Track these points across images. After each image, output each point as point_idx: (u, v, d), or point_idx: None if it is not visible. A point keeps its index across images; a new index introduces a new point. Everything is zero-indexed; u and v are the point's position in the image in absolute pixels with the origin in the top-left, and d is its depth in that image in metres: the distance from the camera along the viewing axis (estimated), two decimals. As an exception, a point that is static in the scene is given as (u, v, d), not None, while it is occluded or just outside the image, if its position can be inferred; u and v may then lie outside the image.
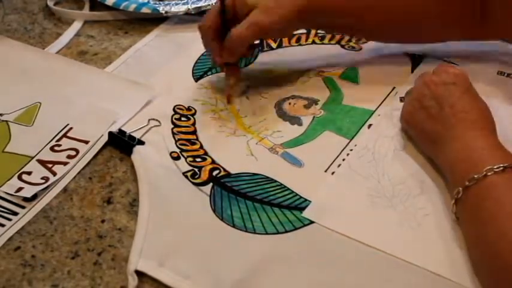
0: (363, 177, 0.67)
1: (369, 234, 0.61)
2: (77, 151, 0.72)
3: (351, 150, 0.70)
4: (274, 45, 0.88)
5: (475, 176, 0.57)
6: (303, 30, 0.90)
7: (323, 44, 0.88)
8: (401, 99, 0.75)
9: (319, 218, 0.63)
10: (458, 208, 0.59)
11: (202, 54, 0.86)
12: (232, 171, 0.69)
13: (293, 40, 0.88)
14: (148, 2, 0.94)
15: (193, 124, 0.75)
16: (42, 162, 0.71)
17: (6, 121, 0.77)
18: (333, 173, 0.68)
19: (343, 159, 0.69)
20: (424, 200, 0.64)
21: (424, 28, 0.76)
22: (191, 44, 0.88)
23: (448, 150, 0.62)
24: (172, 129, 0.74)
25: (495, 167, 0.57)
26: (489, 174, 0.56)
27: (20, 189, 0.67)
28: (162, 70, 0.84)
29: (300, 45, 0.87)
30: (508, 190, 0.56)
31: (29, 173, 0.69)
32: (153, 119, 0.75)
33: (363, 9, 0.74)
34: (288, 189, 0.66)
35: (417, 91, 0.69)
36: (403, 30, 0.77)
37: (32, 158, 0.71)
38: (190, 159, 0.70)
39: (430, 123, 0.66)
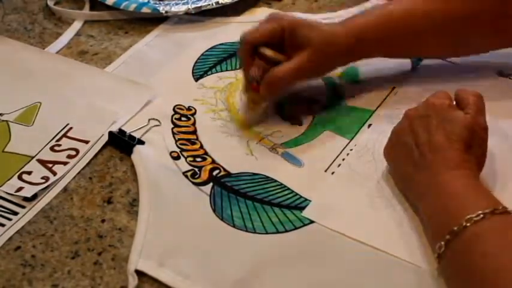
0: (363, 177, 0.67)
1: (368, 234, 0.61)
2: (77, 151, 0.72)
3: (351, 150, 0.70)
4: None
5: (455, 229, 0.52)
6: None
7: (323, 44, 0.87)
8: None
9: (319, 218, 0.63)
10: (442, 263, 0.54)
11: (202, 54, 0.86)
12: (232, 171, 0.69)
13: (293, 40, 0.88)
14: (148, 1, 0.94)
15: (194, 124, 0.75)
16: (42, 162, 0.71)
17: (6, 121, 0.77)
18: (332, 172, 0.68)
19: (343, 159, 0.69)
20: None
21: (475, 39, 0.74)
22: (191, 43, 0.88)
23: (425, 198, 0.59)
24: (172, 129, 0.74)
25: (474, 215, 0.52)
26: (469, 225, 0.52)
27: (20, 189, 0.67)
28: (162, 70, 0.84)
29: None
30: (492, 240, 0.52)
31: (29, 173, 0.69)
32: (153, 119, 0.75)
33: (412, 38, 0.73)
34: (288, 188, 0.66)
35: (399, 124, 0.65)
36: (455, 47, 0.76)
37: (32, 157, 0.71)
38: (191, 159, 0.70)
39: (404, 163, 0.62)
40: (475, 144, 0.60)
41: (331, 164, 0.69)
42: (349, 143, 0.71)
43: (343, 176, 0.67)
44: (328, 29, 0.72)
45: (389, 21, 0.72)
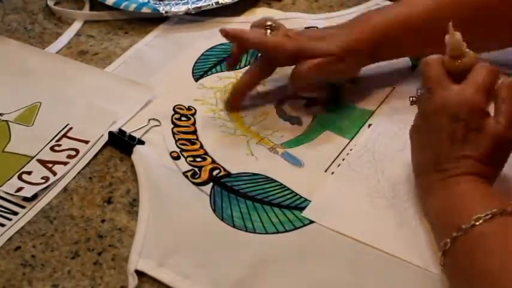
0: (363, 177, 0.67)
1: (368, 234, 0.61)
2: (77, 151, 0.72)
3: (351, 150, 0.70)
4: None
5: (463, 227, 0.52)
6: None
7: (323, 44, 0.87)
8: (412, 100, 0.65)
9: (319, 218, 0.63)
10: (446, 260, 0.54)
11: (202, 54, 0.86)
12: (233, 171, 0.69)
13: (293, 40, 0.88)
14: (148, 2, 0.94)
15: (194, 124, 0.75)
16: (42, 162, 0.71)
17: (6, 121, 0.77)
18: (332, 172, 0.68)
19: (343, 159, 0.69)
20: None
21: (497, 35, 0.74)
22: (191, 43, 0.88)
23: (435, 193, 0.58)
24: (172, 129, 0.74)
25: (483, 215, 0.52)
26: (477, 224, 0.52)
27: (20, 189, 0.67)
28: (162, 70, 0.84)
29: (300, 45, 0.87)
30: (499, 239, 0.52)
31: (29, 173, 0.69)
32: (153, 119, 0.75)
33: (425, 42, 0.72)
34: (288, 189, 0.66)
35: (429, 103, 0.60)
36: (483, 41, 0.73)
37: (32, 157, 0.71)
38: (191, 159, 0.70)
39: (425, 152, 0.60)
40: (497, 156, 0.59)
41: (331, 164, 0.69)
42: (349, 143, 0.71)
43: (343, 176, 0.67)
44: (341, 40, 0.72)
45: (413, 18, 0.72)
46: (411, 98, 0.63)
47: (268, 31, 0.74)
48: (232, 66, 0.79)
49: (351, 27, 0.73)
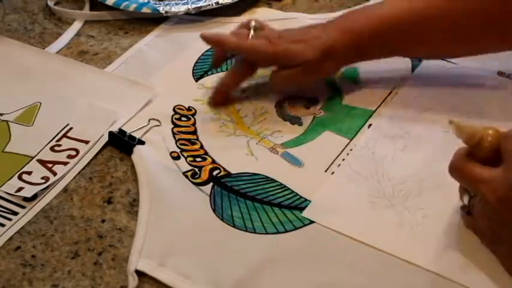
0: (363, 177, 0.67)
1: (368, 234, 0.61)
2: (77, 151, 0.72)
3: (351, 150, 0.70)
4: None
5: None
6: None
7: (323, 44, 0.87)
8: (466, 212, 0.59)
9: (319, 218, 0.63)
10: None
11: (202, 54, 0.86)
12: (233, 171, 0.69)
13: (293, 40, 0.88)
14: (148, 2, 0.94)
15: (194, 124, 0.75)
16: (42, 162, 0.71)
17: (6, 121, 0.77)
18: (332, 173, 0.68)
19: (343, 159, 0.69)
20: (423, 200, 0.64)
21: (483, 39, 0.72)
22: (191, 43, 0.88)
23: None
24: (172, 129, 0.74)
25: None
26: None
27: (20, 189, 0.67)
28: (162, 70, 0.84)
29: (300, 45, 0.87)
30: None
31: (29, 173, 0.69)
32: (153, 119, 0.75)
33: (426, 37, 0.72)
34: (288, 189, 0.66)
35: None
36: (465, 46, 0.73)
37: (32, 158, 0.71)
38: (191, 159, 0.70)
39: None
40: None
41: (331, 164, 0.69)
42: (349, 143, 0.71)
43: (343, 176, 0.67)
44: (321, 42, 0.72)
45: (399, 22, 0.71)
46: (462, 211, 0.59)
47: (252, 32, 0.75)
48: (215, 67, 0.82)
49: (332, 28, 0.73)
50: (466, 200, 0.57)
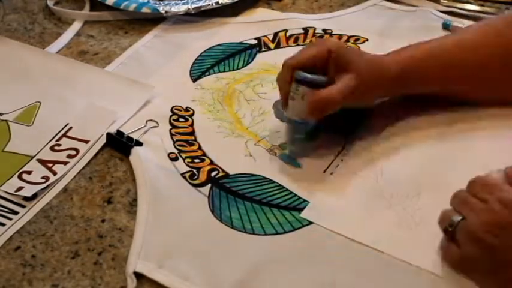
0: (361, 177, 0.67)
1: (367, 235, 0.61)
2: (77, 151, 0.72)
3: (350, 150, 0.71)
4: (272, 45, 0.88)
5: None
6: (300, 30, 0.90)
7: (322, 44, 0.88)
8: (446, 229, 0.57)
9: (317, 219, 0.63)
10: None
11: (200, 55, 0.86)
12: (231, 172, 0.69)
13: (291, 40, 0.89)
14: (148, 1, 0.94)
15: (192, 125, 0.75)
16: (42, 162, 0.71)
17: (6, 120, 0.77)
18: (331, 173, 0.68)
19: (342, 160, 0.69)
20: (422, 200, 0.64)
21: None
22: (189, 44, 0.88)
23: None
24: (170, 130, 0.75)
25: None
26: None
27: (20, 188, 0.68)
28: (160, 71, 0.84)
29: (298, 45, 0.88)
30: None
31: (29, 173, 0.70)
32: (151, 120, 0.76)
33: (453, 79, 0.71)
34: (287, 190, 0.66)
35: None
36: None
37: (32, 157, 0.72)
38: (189, 160, 0.71)
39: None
40: None
41: (329, 165, 0.69)
42: (346, 143, 0.71)
43: (342, 177, 0.68)
44: (375, 57, 0.70)
45: (439, 55, 0.71)
46: (445, 228, 0.57)
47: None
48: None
49: (383, 54, 0.71)
50: (456, 219, 0.56)
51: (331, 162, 0.69)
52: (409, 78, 0.70)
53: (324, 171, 0.68)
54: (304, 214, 0.64)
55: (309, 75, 0.66)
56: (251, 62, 0.85)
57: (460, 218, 0.55)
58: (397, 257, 0.59)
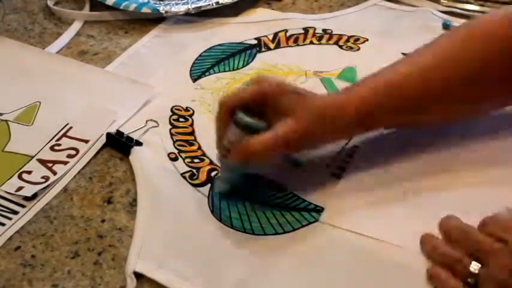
0: (362, 177, 0.67)
1: (379, 233, 0.61)
2: (77, 150, 0.72)
3: (351, 150, 0.70)
4: (272, 45, 0.88)
5: None
6: (300, 30, 0.90)
7: (321, 44, 0.88)
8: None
9: (334, 221, 0.62)
10: None
11: (200, 55, 0.86)
12: (231, 172, 0.69)
13: (291, 40, 0.89)
14: (148, 1, 0.94)
15: (191, 125, 0.75)
16: (42, 162, 0.71)
17: (6, 120, 0.77)
18: (333, 174, 0.68)
19: (343, 160, 0.69)
20: (436, 198, 0.64)
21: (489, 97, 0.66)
22: (189, 44, 0.88)
23: None
24: (170, 130, 0.75)
25: None
26: None
27: (20, 188, 0.68)
28: (160, 71, 0.84)
29: (298, 45, 0.88)
30: None
31: (29, 172, 0.70)
32: (151, 120, 0.76)
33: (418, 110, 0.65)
34: (287, 190, 0.66)
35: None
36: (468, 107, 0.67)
37: (32, 157, 0.72)
38: (189, 160, 0.71)
39: None
40: None
41: (331, 165, 0.69)
42: (348, 143, 0.71)
43: (344, 177, 0.67)
44: (319, 98, 0.63)
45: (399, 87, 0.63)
46: (464, 280, 0.53)
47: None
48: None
49: (333, 93, 0.67)
50: (476, 269, 0.53)
51: (333, 163, 0.69)
52: (370, 119, 0.64)
53: (326, 171, 0.68)
54: (321, 219, 0.63)
55: (247, 119, 0.60)
56: (251, 62, 0.85)
57: (479, 266, 0.52)
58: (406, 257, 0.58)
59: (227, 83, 0.82)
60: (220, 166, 0.67)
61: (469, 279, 0.52)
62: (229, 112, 0.61)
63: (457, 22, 0.89)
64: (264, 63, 0.85)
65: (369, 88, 0.63)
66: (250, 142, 0.59)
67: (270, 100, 0.61)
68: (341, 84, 0.79)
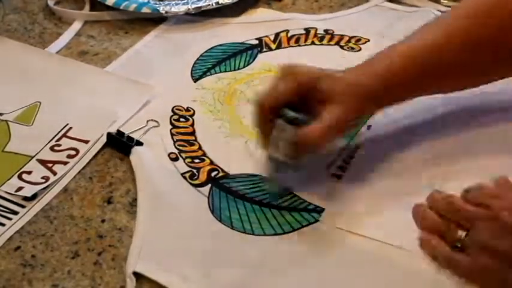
0: (363, 177, 0.67)
1: (381, 233, 0.61)
2: (77, 151, 0.72)
3: (351, 151, 0.70)
4: (273, 46, 0.88)
5: None
6: (302, 31, 0.90)
7: (322, 45, 0.88)
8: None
9: (334, 222, 0.62)
10: None
11: (201, 55, 0.86)
12: (231, 172, 0.69)
13: (292, 41, 0.89)
14: (148, 1, 0.94)
15: (192, 125, 0.75)
16: (42, 162, 0.71)
17: (6, 121, 0.77)
18: (332, 174, 0.68)
19: (343, 160, 0.69)
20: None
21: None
22: (190, 44, 0.88)
23: None
24: (170, 130, 0.75)
25: None
26: None
27: (20, 188, 0.68)
28: (161, 71, 0.84)
29: (299, 46, 0.88)
30: None
31: (29, 173, 0.70)
32: (152, 120, 0.76)
33: (438, 82, 0.67)
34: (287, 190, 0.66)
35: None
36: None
37: (32, 157, 0.71)
38: (189, 160, 0.70)
39: None
40: None
41: (330, 166, 0.69)
42: (348, 144, 0.71)
43: (344, 178, 0.67)
44: (353, 78, 0.65)
45: (415, 61, 0.65)
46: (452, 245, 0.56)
47: None
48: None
49: (356, 71, 0.67)
50: (462, 234, 0.55)
51: (332, 163, 0.69)
52: (392, 93, 0.65)
53: (325, 172, 0.68)
54: (321, 220, 0.63)
55: (292, 113, 0.62)
56: (252, 62, 0.85)
57: (464, 232, 0.54)
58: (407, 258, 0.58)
59: (228, 83, 0.82)
60: (269, 167, 0.67)
61: (457, 243, 0.55)
62: (269, 113, 0.63)
63: (457, 22, 0.89)
64: (265, 64, 0.85)
65: (388, 64, 0.65)
66: (310, 131, 0.61)
67: (305, 91, 0.63)
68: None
